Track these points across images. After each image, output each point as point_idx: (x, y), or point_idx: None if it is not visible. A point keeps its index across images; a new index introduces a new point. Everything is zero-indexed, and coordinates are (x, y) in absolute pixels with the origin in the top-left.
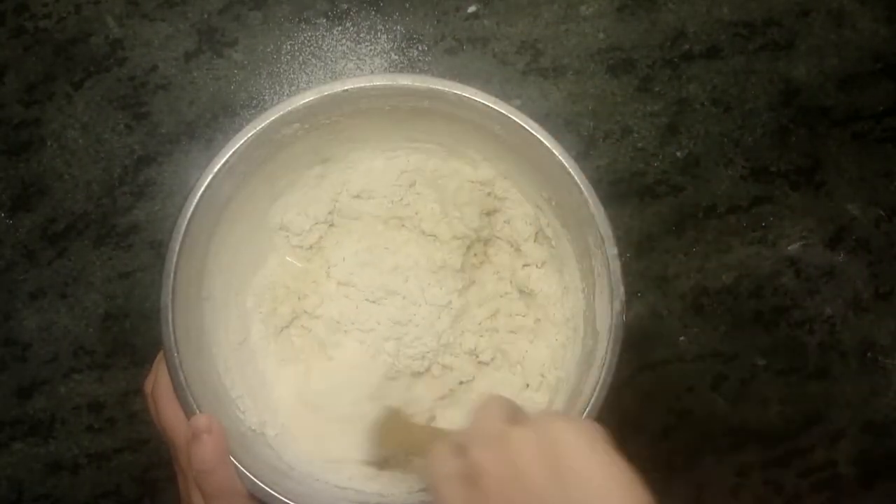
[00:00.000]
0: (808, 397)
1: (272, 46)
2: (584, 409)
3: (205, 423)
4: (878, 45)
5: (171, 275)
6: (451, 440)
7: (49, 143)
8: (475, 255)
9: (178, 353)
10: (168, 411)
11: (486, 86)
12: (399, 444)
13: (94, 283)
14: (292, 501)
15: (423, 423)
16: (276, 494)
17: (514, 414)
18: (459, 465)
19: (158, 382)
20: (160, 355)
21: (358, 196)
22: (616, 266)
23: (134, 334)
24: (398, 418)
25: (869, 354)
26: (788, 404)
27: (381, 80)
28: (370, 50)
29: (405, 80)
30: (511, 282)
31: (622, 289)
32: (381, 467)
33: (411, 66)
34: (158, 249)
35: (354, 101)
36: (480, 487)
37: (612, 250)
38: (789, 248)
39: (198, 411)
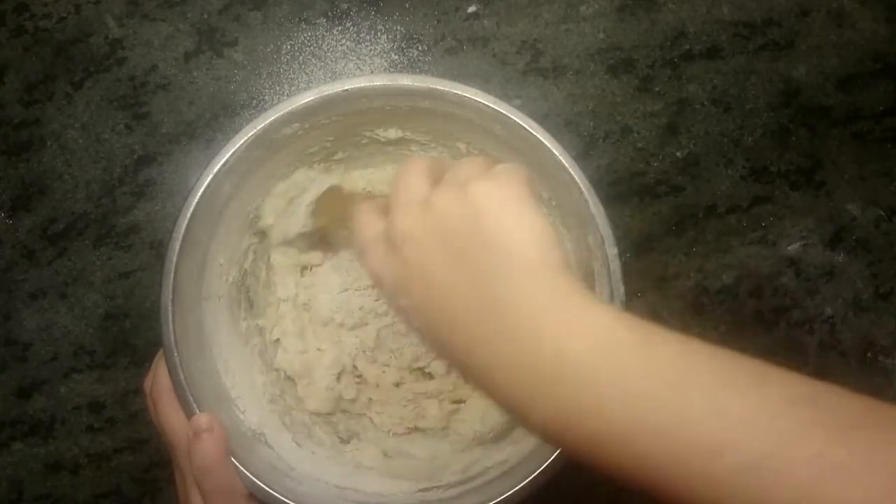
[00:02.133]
0: None
1: (272, 46)
2: None
3: (206, 422)
4: (878, 45)
5: (171, 274)
6: (378, 202)
7: (49, 143)
8: None
9: (177, 352)
10: (167, 411)
11: (486, 86)
12: (337, 213)
13: (94, 283)
14: (292, 501)
15: (359, 192)
16: (276, 494)
17: (439, 171)
18: (383, 229)
19: (158, 382)
20: (159, 354)
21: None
22: (616, 266)
23: (134, 334)
24: (337, 190)
25: (869, 354)
26: None
27: (381, 80)
28: (370, 50)
29: (405, 80)
30: None
31: (622, 289)
32: (318, 241)
33: (411, 66)
34: (158, 249)
35: (354, 101)
36: (402, 252)
37: (612, 250)
38: (789, 248)
39: (197, 411)
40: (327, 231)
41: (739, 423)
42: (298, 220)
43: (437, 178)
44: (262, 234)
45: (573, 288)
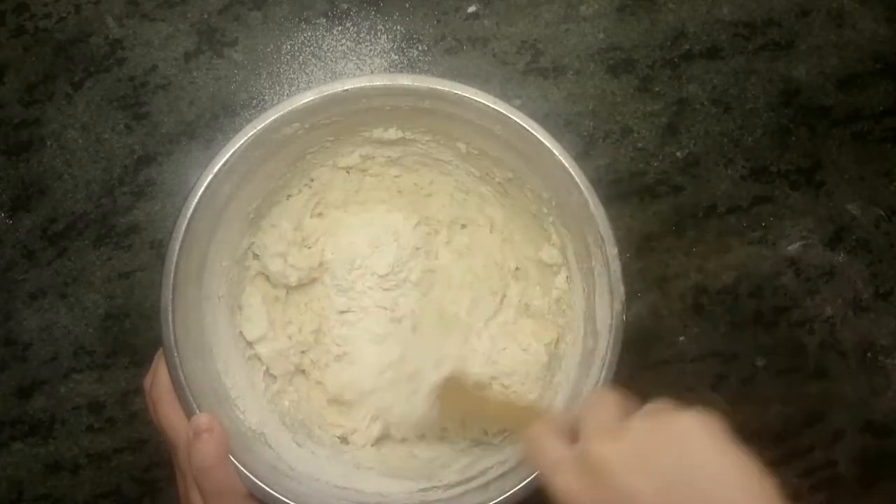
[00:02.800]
0: (808, 397)
1: (272, 46)
2: None
3: (206, 422)
4: (878, 45)
5: (171, 275)
6: (555, 423)
7: (49, 143)
8: None
9: (177, 352)
10: (167, 411)
11: (486, 86)
12: (459, 411)
13: (94, 283)
14: (292, 501)
15: (480, 390)
16: (276, 494)
17: (628, 408)
18: (572, 454)
19: (157, 382)
20: (159, 354)
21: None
22: (616, 266)
23: (134, 334)
24: (457, 384)
25: (869, 354)
26: (788, 404)
27: (381, 80)
28: (370, 50)
29: (405, 80)
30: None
31: (622, 289)
32: (440, 437)
33: (411, 66)
34: (158, 249)
35: (354, 100)
36: (604, 478)
37: (613, 250)
38: (789, 248)
39: (197, 411)
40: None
41: None
42: (415, 410)
43: (627, 413)
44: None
45: None
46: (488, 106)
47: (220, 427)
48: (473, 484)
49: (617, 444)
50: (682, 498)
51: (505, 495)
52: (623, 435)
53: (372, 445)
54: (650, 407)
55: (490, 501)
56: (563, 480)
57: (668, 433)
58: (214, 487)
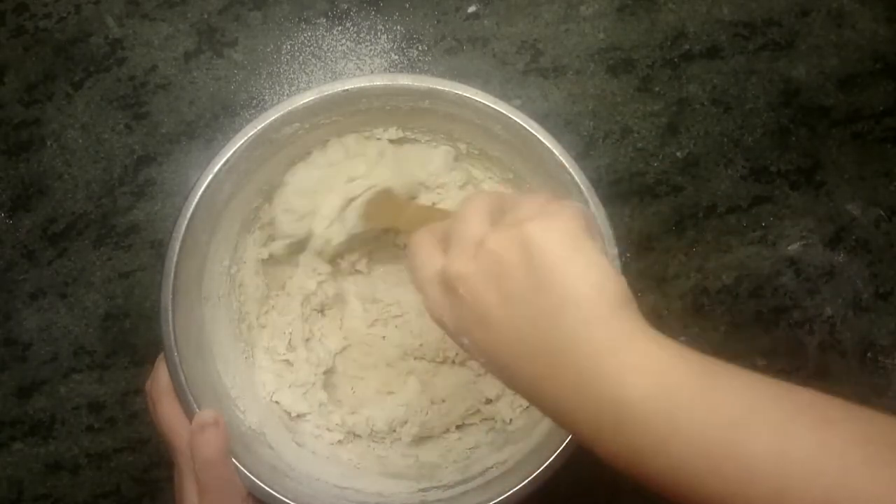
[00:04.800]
0: None
1: (272, 46)
2: None
3: (211, 417)
4: (878, 45)
5: (171, 275)
6: (434, 231)
7: (49, 143)
8: None
9: (178, 352)
10: (167, 410)
11: (486, 86)
12: (388, 220)
13: (94, 283)
14: (292, 501)
15: (413, 201)
16: (276, 494)
17: (500, 210)
18: (440, 268)
19: (157, 382)
20: (161, 356)
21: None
22: (617, 267)
23: (134, 334)
24: (390, 195)
25: (869, 354)
26: None
27: (381, 80)
28: (370, 50)
29: (405, 80)
30: None
31: None
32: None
33: (411, 66)
34: (158, 249)
35: (355, 100)
36: (458, 294)
37: (613, 251)
38: (789, 248)
39: (198, 410)
40: (371, 239)
41: (804, 463)
42: (347, 223)
43: (497, 217)
44: (270, 239)
45: (632, 326)
46: (489, 106)
47: (224, 423)
48: (473, 484)
49: (473, 257)
50: (530, 306)
51: (505, 495)
52: (480, 247)
53: (374, 443)
54: (518, 206)
55: (490, 501)
56: (430, 297)
57: (520, 238)
58: (215, 481)
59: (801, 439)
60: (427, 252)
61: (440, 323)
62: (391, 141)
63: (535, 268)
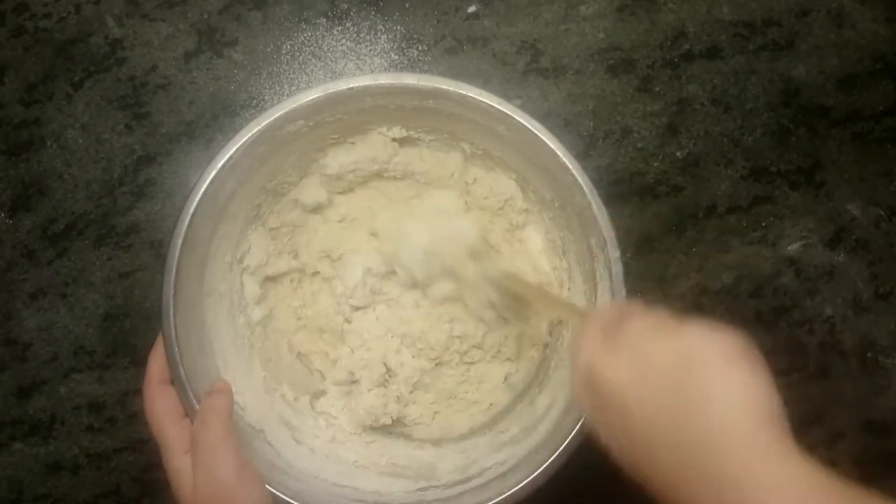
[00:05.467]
0: (808, 397)
1: (272, 46)
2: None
3: (223, 385)
4: (878, 45)
5: (173, 271)
6: (602, 319)
7: (49, 143)
8: None
9: (178, 347)
10: (150, 405)
11: (486, 86)
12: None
13: (94, 283)
14: (291, 499)
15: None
16: (274, 492)
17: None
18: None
19: (147, 373)
20: (154, 348)
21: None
22: (618, 269)
23: (134, 334)
24: (514, 275)
25: (869, 354)
26: (788, 404)
27: (386, 79)
28: (370, 50)
29: (410, 80)
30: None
31: (623, 291)
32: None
33: (411, 66)
34: (158, 249)
35: (359, 99)
36: (600, 391)
37: (615, 253)
38: (789, 248)
39: (197, 407)
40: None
41: None
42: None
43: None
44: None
45: (777, 444)
46: (493, 106)
47: (230, 390)
48: (472, 484)
49: (614, 357)
50: (674, 413)
51: (503, 495)
52: (622, 349)
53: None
54: (657, 320)
55: (489, 501)
56: (576, 386)
57: (678, 339)
58: (213, 440)
59: None
60: (595, 337)
61: (581, 402)
62: (395, 139)
63: (688, 366)
